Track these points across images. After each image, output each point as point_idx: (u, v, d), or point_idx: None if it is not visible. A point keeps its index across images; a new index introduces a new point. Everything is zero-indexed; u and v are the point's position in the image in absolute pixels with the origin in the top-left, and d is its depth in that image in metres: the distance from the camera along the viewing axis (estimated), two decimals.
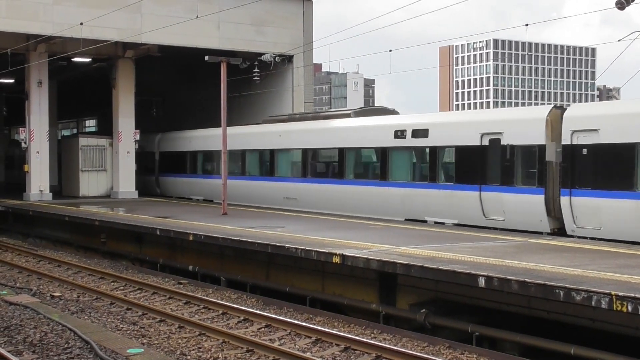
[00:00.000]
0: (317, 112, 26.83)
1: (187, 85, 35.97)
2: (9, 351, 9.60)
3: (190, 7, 27.61)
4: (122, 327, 11.94)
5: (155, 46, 29.02)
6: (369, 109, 24.66)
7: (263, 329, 11.92)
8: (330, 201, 22.33)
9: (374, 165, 21.65)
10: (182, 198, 29.88)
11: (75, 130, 57.67)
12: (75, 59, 30.10)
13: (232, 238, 16.02)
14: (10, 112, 46.75)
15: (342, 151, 22.05)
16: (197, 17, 25.10)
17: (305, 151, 23.54)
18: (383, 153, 20.57)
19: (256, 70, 26.74)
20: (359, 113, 23.66)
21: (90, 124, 56.61)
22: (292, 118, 25.82)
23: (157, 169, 32.21)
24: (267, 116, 27.88)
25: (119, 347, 9.92)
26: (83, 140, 31.21)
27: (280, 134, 24.69)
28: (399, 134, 20.05)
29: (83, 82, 39.63)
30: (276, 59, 26.77)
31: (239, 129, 27.34)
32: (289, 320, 12.26)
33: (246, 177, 26.45)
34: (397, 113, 23.85)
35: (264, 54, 27.08)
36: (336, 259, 13.29)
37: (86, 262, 20.16)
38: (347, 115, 23.43)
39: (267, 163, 25.53)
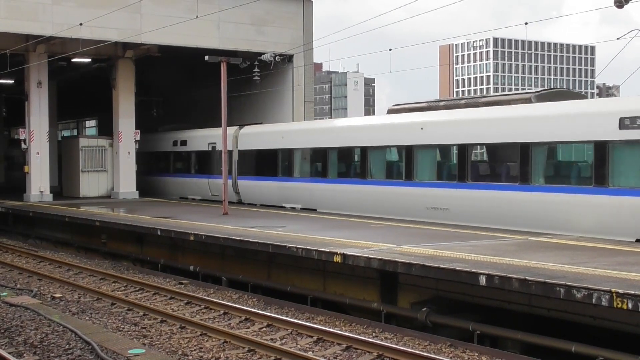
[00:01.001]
0: (475, 98, 21.46)
1: (187, 85, 35.97)
2: (9, 353, 9.60)
3: (190, 7, 27.61)
4: (124, 328, 11.94)
5: (155, 46, 29.01)
6: (553, 92, 19.10)
7: (264, 329, 11.92)
8: (506, 213, 17.10)
9: (581, 166, 16.52)
10: (266, 206, 25.04)
11: (75, 131, 57.70)
12: (75, 60, 30.10)
13: (233, 238, 16.02)
14: (10, 112, 46.77)
15: (525, 147, 16.65)
16: (197, 17, 25.10)
17: (463, 147, 18.24)
18: (600, 149, 15.12)
19: (256, 69, 26.74)
20: (542, 97, 18.15)
21: (91, 124, 56.61)
22: (434, 106, 20.53)
23: (235, 171, 26.75)
24: (393, 105, 22.27)
25: (120, 347, 9.92)
26: (83, 141, 31.22)
27: (423, 126, 19.60)
28: (628, 122, 14.71)
29: (83, 83, 39.62)
30: (276, 58, 26.76)
31: (352, 120, 25.26)
32: (290, 319, 12.26)
33: (367, 182, 21.09)
34: (585, 97, 19.44)
35: (264, 53, 27.09)
36: (337, 258, 13.29)
37: (87, 262, 20.16)
38: (526, 100, 18.15)
39: (399, 164, 20.46)
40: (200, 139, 29.31)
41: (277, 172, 24.79)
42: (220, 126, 23.39)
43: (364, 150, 21.33)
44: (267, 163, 25.22)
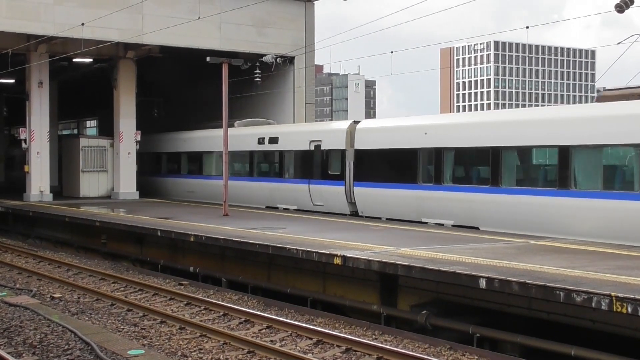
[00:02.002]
0: None
1: (188, 85, 35.99)
2: (8, 353, 9.59)
3: (191, 7, 27.64)
4: (123, 329, 11.93)
5: (157, 47, 29.04)
6: None
7: (264, 330, 11.92)
8: None
9: None
10: (394, 219, 19.93)
11: (75, 131, 57.70)
12: (76, 60, 30.14)
13: (233, 239, 16.02)
14: (10, 112, 46.78)
15: None
16: (198, 17, 25.14)
17: None
18: None
19: (257, 71, 26.76)
20: None
21: (91, 124, 56.63)
22: None
23: (350, 176, 21.69)
24: (604, 89, 16.73)
25: (120, 348, 9.92)
26: (84, 141, 31.23)
27: None
28: None
29: (84, 83, 39.65)
30: (277, 60, 26.75)
31: (540, 111, 19.66)
32: (290, 321, 12.26)
33: (574, 193, 15.57)
34: None
35: (265, 55, 27.09)
36: (337, 260, 13.29)
37: (87, 263, 20.15)
38: None
39: (626, 168, 15.15)
40: (298, 136, 24.28)
41: (415, 178, 19.37)
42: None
43: (565, 150, 15.57)
44: (400, 166, 19.98)
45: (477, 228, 17.52)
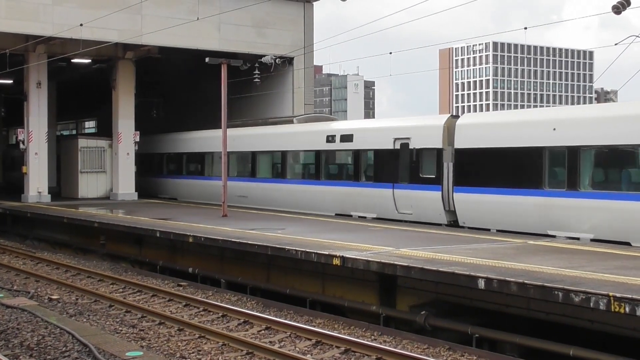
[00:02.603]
0: None
1: (187, 86, 35.99)
2: (5, 355, 9.57)
3: (190, 8, 27.64)
4: (121, 330, 11.91)
5: (156, 47, 29.03)
6: None
7: (263, 332, 11.90)
8: None
9: None
10: (483, 229, 17.60)
11: (74, 131, 57.69)
12: (75, 60, 30.11)
13: (232, 240, 15.99)
14: (9, 113, 46.76)
15: None
16: (197, 18, 25.14)
17: None
18: None
19: (257, 72, 26.76)
20: None
21: (90, 125, 56.63)
22: None
23: (448, 179, 18.64)
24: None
25: (118, 350, 9.89)
26: (82, 142, 31.20)
27: None
28: None
29: (83, 83, 39.64)
30: (276, 60, 26.76)
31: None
32: (289, 322, 12.24)
33: None
34: None
35: (264, 55, 27.10)
36: (336, 261, 13.27)
37: (85, 264, 20.13)
38: None
39: None
40: (378, 133, 21.12)
41: (540, 183, 16.48)
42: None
43: None
44: (518, 168, 17.12)
45: (627, 244, 14.55)
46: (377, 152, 20.85)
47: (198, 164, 29.14)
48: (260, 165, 25.72)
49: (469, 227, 17.88)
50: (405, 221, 19.22)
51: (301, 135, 23.78)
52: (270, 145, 25.10)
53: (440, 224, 18.58)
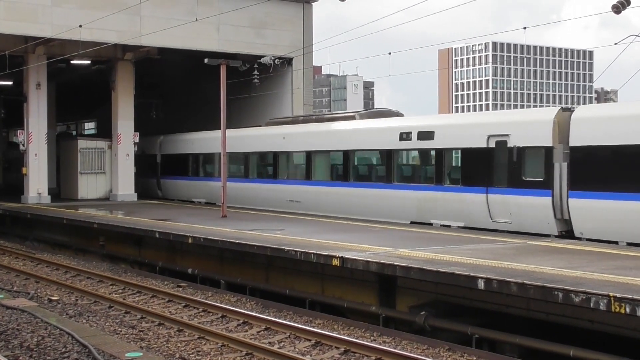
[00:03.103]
0: None
1: (187, 87, 35.99)
2: (5, 356, 9.56)
3: (189, 9, 27.64)
4: (121, 331, 11.91)
5: (155, 48, 29.03)
6: None
7: (262, 332, 11.89)
8: None
9: None
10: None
11: (74, 133, 57.69)
12: (74, 61, 30.09)
13: (232, 241, 15.99)
14: (8, 114, 46.75)
15: None
16: (196, 19, 25.14)
17: None
18: None
19: (256, 72, 26.76)
20: None
21: (90, 126, 56.63)
22: None
23: (561, 182, 15.97)
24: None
25: (118, 351, 9.87)
26: (82, 143, 31.21)
27: None
28: None
29: (82, 85, 39.64)
30: (276, 61, 26.74)
31: None
32: (288, 323, 12.23)
33: None
34: None
35: (263, 56, 27.09)
36: (336, 262, 13.26)
37: (84, 265, 20.12)
38: None
39: None
40: (467, 129, 18.38)
41: None
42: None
43: None
44: None
45: None
46: (466, 151, 18.04)
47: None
48: (316, 167, 22.81)
49: (587, 239, 15.28)
50: (502, 231, 16.85)
51: (367, 133, 21.00)
52: (328, 144, 22.22)
53: (548, 235, 16.00)
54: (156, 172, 31.92)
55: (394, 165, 19.96)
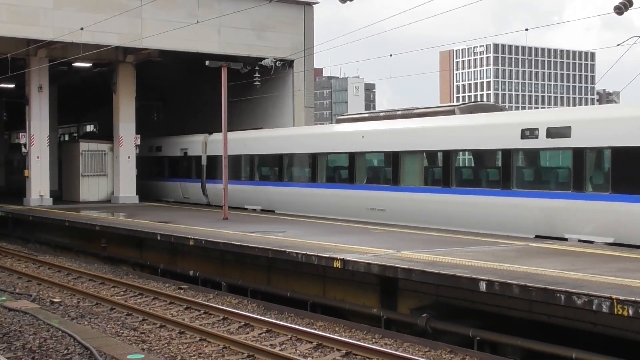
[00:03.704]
0: None
1: (188, 89, 36.01)
2: (7, 358, 9.57)
3: (190, 11, 27.66)
4: (123, 333, 11.91)
5: (156, 51, 29.06)
6: None
7: (264, 334, 11.89)
8: None
9: None
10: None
11: (75, 135, 57.75)
12: (75, 64, 30.14)
13: (233, 243, 15.99)
14: (10, 117, 46.81)
15: None
16: (197, 22, 25.16)
17: None
18: None
19: (257, 74, 26.77)
20: None
21: (91, 128, 56.67)
22: None
23: None
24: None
25: (119, 353, 9.88)
26: (84, 145, 31.25)
27: None
28: None
29: (84, 87, 39.68)
30: (277, 63, 26.73)
31: None
32: (290, 325, 12.23)
33: None
34: None
35: (264, 58, 27.09)
36: (337, 264, 13.26)
37: (86, 267, 20.13)
38: None
39: None
40: (616, 124, 15.04)
41: None
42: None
43: None
44: None
45: None
46: (617, 151, 14.68)
47: (309, 168, 22.97)
48: (405, 170, 19.72)
49: None
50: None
51: (474, 130, 17.97)
52: (421, 143, 19.28)
53: None
54: (201, 175, 28.73)
55: (513, 167, 16.83)
